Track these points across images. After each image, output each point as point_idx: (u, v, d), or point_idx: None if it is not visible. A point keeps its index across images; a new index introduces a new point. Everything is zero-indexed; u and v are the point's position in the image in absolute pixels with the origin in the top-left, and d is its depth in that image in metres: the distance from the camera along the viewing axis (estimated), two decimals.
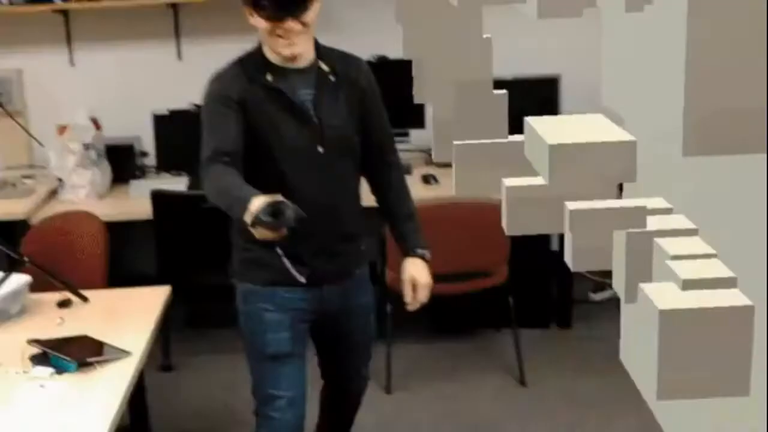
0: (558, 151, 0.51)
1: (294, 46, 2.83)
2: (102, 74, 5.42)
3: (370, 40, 4.90)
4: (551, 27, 4.91)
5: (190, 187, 4.84)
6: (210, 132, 2.89)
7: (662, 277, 0.54)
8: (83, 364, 2.79)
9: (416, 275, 3.05)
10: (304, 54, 2.89)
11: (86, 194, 4.81)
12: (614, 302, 5.33)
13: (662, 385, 0.47)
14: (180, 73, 5.47)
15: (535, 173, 0.63)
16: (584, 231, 0.57)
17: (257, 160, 2.88)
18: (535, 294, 4.93)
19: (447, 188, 4.49)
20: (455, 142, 0.67)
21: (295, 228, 2.64)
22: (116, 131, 5.13)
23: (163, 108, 5.13)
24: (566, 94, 5.09)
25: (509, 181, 0.64)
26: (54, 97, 5.37)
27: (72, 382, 2.74)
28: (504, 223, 0.64)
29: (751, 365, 0.48)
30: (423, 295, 3.07)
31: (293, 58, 2.88)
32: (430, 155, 4.98)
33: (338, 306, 3.07)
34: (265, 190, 2.70)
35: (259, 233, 2.66)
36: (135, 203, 4.75)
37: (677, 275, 0.51)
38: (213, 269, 4.80)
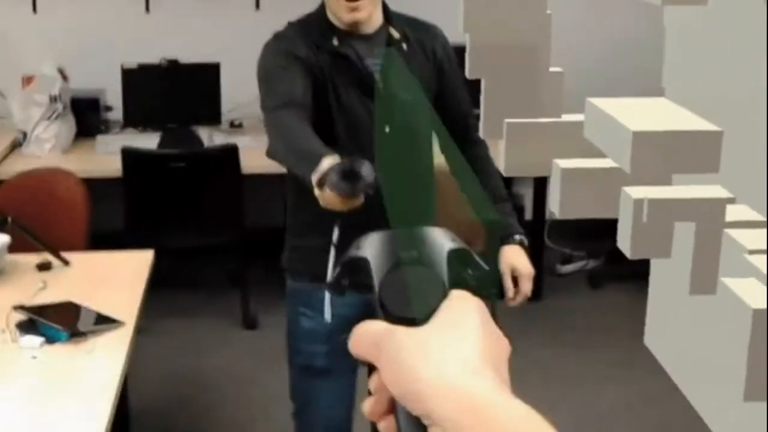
0: (642, 138, 0.49)
1: (357, 11, 2.58)
2: (66, 24, 5.31)
3: None
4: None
5: (161, 145, 4.77)
6: (276, 82, 2.60)
7: (737, 272, 0.52)
8: (75, 334, 2.68)
9: (518, 264, 2.77)
10: (370, 19, 2.64)
11: (50, 148, 4.71)
12: (582, 274, 5.39)
13: (751, 385, 0.45)
14: (148, 26, 5.38)
15: (587, 154, 0.61)
16: (646, 219, 0.55)
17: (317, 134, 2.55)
18: None
19: None
20: (507, 120, 0.65)
21: (371, 196, 2.16)
22: (80, 83, 5.02)
23: (131, 61, 5.04)
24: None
25: (564, 163, 0.62)
26: (15, 47, 5.25)
27: (65, 353, 2.63)
28: (555, 206, 0.62)
29: None
30: (527, 288, 2.81)
31: (356, 23, 2.62)
32: None
33: None
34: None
35: (325, 199, 2.24)
36: (102, 159, 4.66)
37: (761, 271, 0.49)
38: (181, 230, 4.74)
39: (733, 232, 0.55)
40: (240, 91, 5.04)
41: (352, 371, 2.77)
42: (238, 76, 5.05)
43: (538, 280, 5.03)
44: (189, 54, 5.11)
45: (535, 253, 5.06)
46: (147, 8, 5.40)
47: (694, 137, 0.50)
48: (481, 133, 0.66)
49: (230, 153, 4.52)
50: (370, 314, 0.67)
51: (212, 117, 5.04)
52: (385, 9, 2.72)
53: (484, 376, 0.59)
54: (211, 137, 4.92)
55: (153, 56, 5.07)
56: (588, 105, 0.61)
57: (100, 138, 4.88)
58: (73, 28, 5.30)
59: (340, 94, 2.62)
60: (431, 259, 0.67)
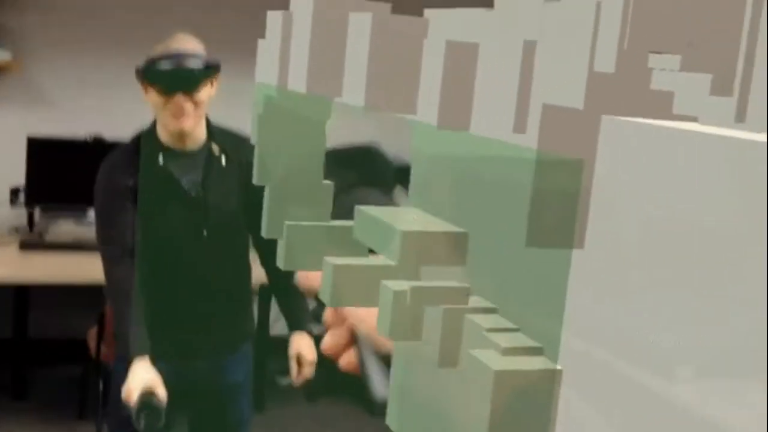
0: (407, 236, 0.60)
1: (185, 120, 2.91)
2: None
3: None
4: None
5: None
6: (108, 227, 2.97)
7: (477, 347, 0.64)
8: None
9: (303, 351, 3.09)
10: (194, 133, 2.97)
11: None
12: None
13: None
14: None
15: (354, 253, 0.72)
16: (402, 306, 0.66)
17: (145, 241, 2.94)
18: None
19: None
20: (286, 222, 0.75)
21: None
22: None
23: None
24: None
25: (333, 260, 0.72)
26: None
27: None
28: (325, 297, 0.72)
29: (553, 421, 0.58)
30: (308, 372, 3.12)
31: (182, 136, 2.95)
32: None
33: (211, 383, 3.09)
34: (153, 273, 2.87)
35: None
36: None
37: (497, 344, 0.61)
38: None
39: (473, 316, 0.67)
40: None
41: None
42: None
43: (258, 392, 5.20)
44: None
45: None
46: None
47: (447, 237, 0.62)
48: (264, 233, 0.76)
49: None
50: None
51: None
52: (209, 124, 3.04)
53: None
54: None
55: None
56: (357, 211, 0.72)
57: None
58: None
59: (163, 206, 2.97)
60: (378, 179, 0.65)
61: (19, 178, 5.25)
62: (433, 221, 0.67)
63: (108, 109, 5.52)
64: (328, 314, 0.65)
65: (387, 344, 0.58)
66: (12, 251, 5.09)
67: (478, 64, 0.51)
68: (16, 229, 5.42)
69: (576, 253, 0.58)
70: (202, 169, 2.99)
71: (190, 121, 2.93)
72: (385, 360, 0.62)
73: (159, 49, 2.93)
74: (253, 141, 0.72)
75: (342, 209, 0.75)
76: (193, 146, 3.00)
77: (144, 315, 2.82)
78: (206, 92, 2.96)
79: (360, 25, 0.57)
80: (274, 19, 0.68)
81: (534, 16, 0.52)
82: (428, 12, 0.63)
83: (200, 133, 3.01)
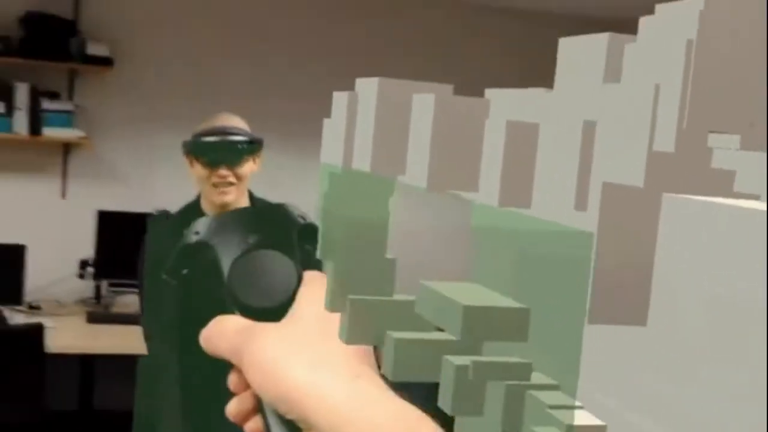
0: (470, 311, 0.61)
1: (226, 195, 3.01)
2: None
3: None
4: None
5: None
6: (149, 304, 3.08)
7: (539, 423, 0.63)
8: None
9: None
10: (237, 206, 2.97)
11: None
12: None
13: None
14: None
15: (417, 328, 0.73)
16: (464, 381, 0.66)
17: (186, 319, 3.00)
18: None
19: None
20: (350, 296, 0.76)
21: None
22: None
23: None
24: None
25: (396, 334, 0.73)
26: None
27: None
28: (388, 371, 0.72)
29: None
30: None
31: (225, 209, 2.97)
32: None
33: None
34: (192, 351, 2.95)
35: None
36: None
37: (560, 421, 0.61)
38: None
39: (535, 392, 0.67)
40: (41, 273, 5.03)
41: None
42: (42, 259, 5.06)
43: None
44: None
45: None
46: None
47: (509, 312, 0.62)
48: (327, 307, 0.77)
49: (35, 331, 4.53)
50: None
51: (14, 297, 5.01)
52: (252, 198, 3.13)
53: (360, 374, 0.57)
54: (12, 317, 4.89)
55: None
56: (422, 285, 0.72)
57: None
58: None
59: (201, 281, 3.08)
60: (281, 240, 0.60)
61: (89, 250, 5.35)
62: (494, 297, 0.68)
63: (176, 184, 5.63)
64: (232, 379, 0.62)
65: (290, 411, 0.55)
66: (79, 323, 5.17)
67: (538, 144, 0.52)
68: (83, 301, 5.51)
69: (638, 331, 0.58)
70: None
71: (233, 194, 3.02)
72: (289, 426, 0.58)
73: (204, 125, 3.09)
74: (318, 217, 0.73)
75: (240, 272, 0.69)
76: None
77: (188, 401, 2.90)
78: (249, 167, 3.06)
79: (423, 106, 0.59)
80: (340, 99, 0.70)
81: (594, 96, 0.53)
82: (489, 92, 0.65)
83: (241, 205, 3.05)
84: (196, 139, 3.07)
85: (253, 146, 3.08)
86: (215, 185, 3.02)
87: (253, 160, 3.10)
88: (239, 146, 3.04)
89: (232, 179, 3.02)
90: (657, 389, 0.68)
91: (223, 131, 3.05)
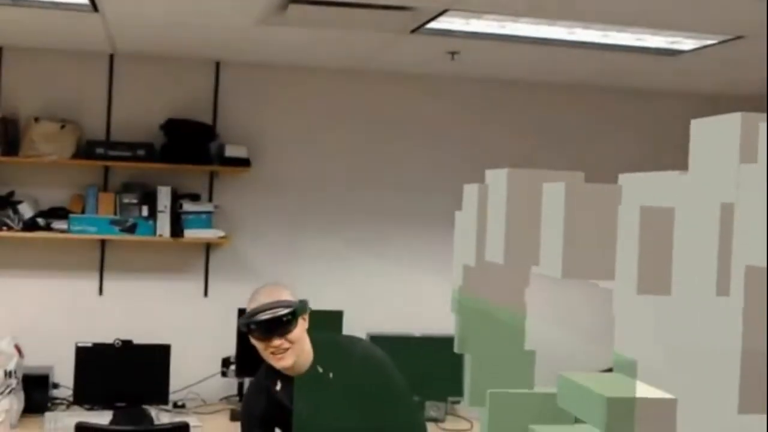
0: (614, 404, 0.59)
1: (284, 360, 3.38)
2: (22, 300, 5.42)
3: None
4: None
5: (113, 422, 4.77)
6: None
7: None
8: None
9: None
10: (298, 363, 3.40)
11: (0, 422, 4.68)
12: None
13: None
14: (101, 308, 5.51)
15: (559, 420, 0.71)
16: None
17: None
18: None
19: None
20: (490, 390, 0.75)
21: None
22: (31, 360, 5.08)
23: (82, 340, 5.12)
24: None
25: (537, 428, 0.71)
26: None
27: None
28: None
29: None
30: None
31: (288, 370, 3.39)
32: None
33: None
34: None
35: None
36: None
37: None
38: None
39: None
40: (185, 373, 5.14)
41: None
42: (185, 358, 5.19)
43: None
44: (140, 335, 5.23)
45: None
46: (100, 291, 5.55)
47: (654, 403, 0.60)
48: (467, 402, 0.76)
49: (181, 431, 4.57)
50: None
51: (160, 397, 5.10)
52: (314, 344, 3.47)
53: None
54: (158, 416, 4.96)
55: (106, 337, 5.19)
56: (560, 378, 0.71)
57: (48, 415, 4.85)
58: (30, 304, 5.41)
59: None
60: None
61: (231, 348, 5.45)
62: (639, 387, 0.65)
63: (320, 278, 5.73)
64: None
65: None
66: (223, 421, 5.25)
67: (675, 228, 0.51)
68: (227, 399, 5.59)
69: None
70: (312, 392, 3.39)
71: (290, 359, 3.40)
72: None
73: (252, 306, 3.43)
74: (454, 311, 0.73)
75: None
76: (301, 370, 3.43)
77: None
78: (299, 329, 3.42)
79: (555, 195, 0.58)
80: (470, 191, 0.71)
81: (730, 177, 0.51)
82: (622, 177, 0.64)
83: (305, 360, 3.43)
84: (247, 320, 3.42)
85: (297, 312, 3.43)
86: (273, 353, 3.39)
87: (303, 319, 3.46)
88: (284, 319, 3.39)
89: (286, 345, 3.39)
90: None
91: (269, 307, 3.40)
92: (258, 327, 3.40)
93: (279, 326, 3.39)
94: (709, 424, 0.65)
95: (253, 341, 3.45)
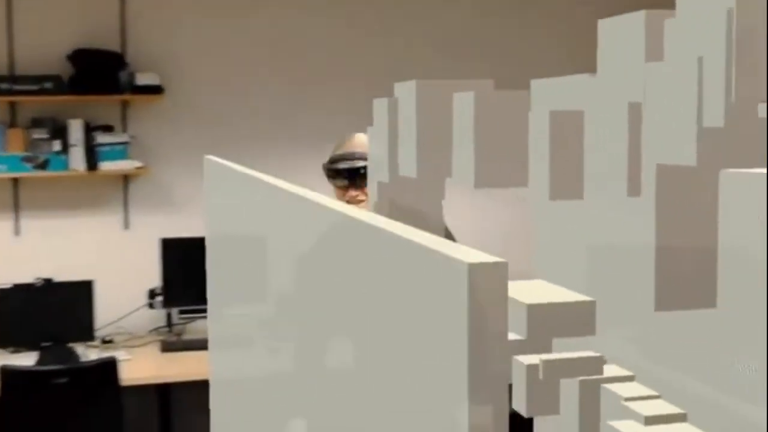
0: (534, 309, 0.59)
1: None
2: None
3: None
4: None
5: (40, 362, 4.73)
6: None
7: (617, 417, 0.62)
8: None
9: None
10: None
11: None
12: None
13: None
14: (19, 248, 5.41)
15: None
16: (536, 381, 0.65)
17: None
18: None
19: None
20: None
21: None
22: None
23: (2, 282, 5.04)
24: None
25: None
26: None
27: None
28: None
29: None
30: None
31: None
32: None
33: None
34: None
35: None
36: None
37: (638, 413, 0.59)
38: None
39: (610, 385, 0.65)
40: (111, 307, 5.09)
41: None
42: (109, 293, 5.13)
43: None
44: (62, 273, 5.16)
45: None
46: (17, 231, 5.44)
47: (574, 307, 0.61)
48: None
49: (109, 366, 4.56)
50: None
51: (86, 334, 5.07)
52: None
53: None
54: (85, 353, 4.94)
55: (25, 277, 5.10)
56: None
57: None
58: None
59: None
60: None
61: (156, 280, 5.41)
62: (560, 292, 0.66)
63: None
64: None
65: None
66: (153, 352, 5.24)
67: (585, 131, 0.50)
68: (156, 331, 5.58)
69: (707, 314, 0.56)
70: None
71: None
72: None
73: (337, 151, 3.49)
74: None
75: None
76: None
77: None
78: None
79: (464, 105, 0.57)
80: (380, 106, 0.69)
81: (637, 77, 0.51)
82: (533, 82, 0.63)
83: None
84: (329, 165, 3.48)
85: None
86: (348, 203, 3.29)
87: None
88: (361, 171, 3.40)
89: (361, 197, 3.40)
90: (735, 370, 0.65)
91: (351, 157, 3.43)
92: (335, 176, 3.45)
93: (356, 178, 3.43)
94: (630, 324, 0.66)
95: (332, 188, 3.49)
